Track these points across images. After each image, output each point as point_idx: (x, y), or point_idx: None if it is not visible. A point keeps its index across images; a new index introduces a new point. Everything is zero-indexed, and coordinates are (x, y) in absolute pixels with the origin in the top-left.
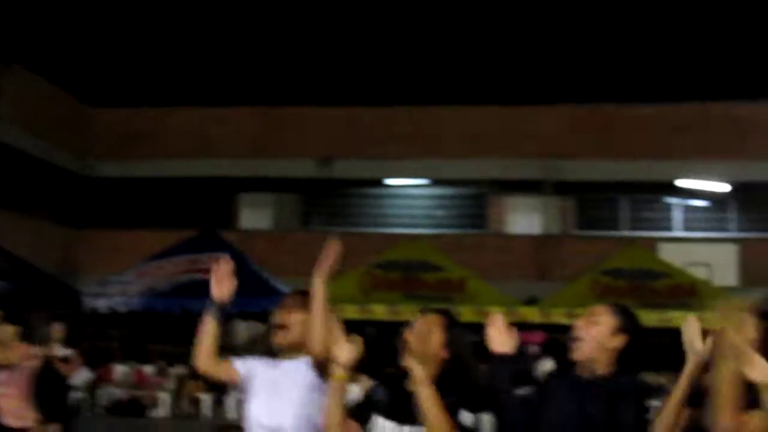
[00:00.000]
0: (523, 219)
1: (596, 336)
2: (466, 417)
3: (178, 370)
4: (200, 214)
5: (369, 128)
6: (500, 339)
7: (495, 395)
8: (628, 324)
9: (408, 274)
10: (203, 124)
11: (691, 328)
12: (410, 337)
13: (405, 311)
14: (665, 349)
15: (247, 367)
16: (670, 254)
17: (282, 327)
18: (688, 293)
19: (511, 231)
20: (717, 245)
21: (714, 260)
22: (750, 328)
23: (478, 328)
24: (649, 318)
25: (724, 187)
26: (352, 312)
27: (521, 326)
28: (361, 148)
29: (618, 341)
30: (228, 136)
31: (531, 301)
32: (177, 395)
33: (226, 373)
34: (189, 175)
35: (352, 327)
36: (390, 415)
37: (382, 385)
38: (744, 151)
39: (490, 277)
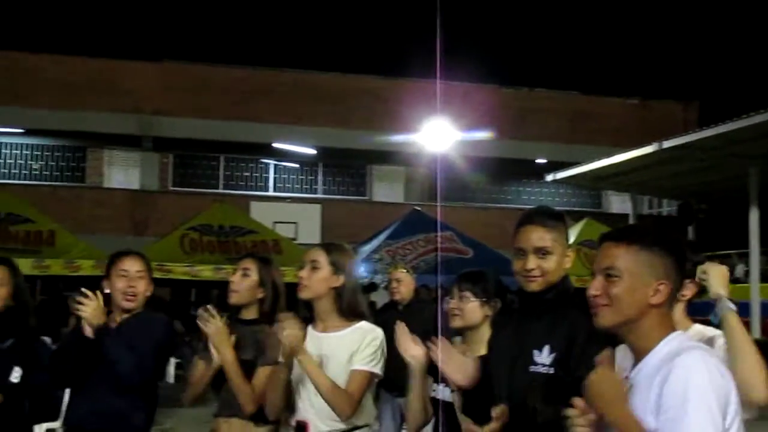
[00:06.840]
0: (121, 173)
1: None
2: None
3: None
4: None
5: None
6: None
7: None
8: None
9: None
10: None
11: None
12: None
13: None
14: None
15: None
16: (262, 212)
17: None
18: (273, 249)
19: (108, 185)
20: (304, 205)
21: (300, 219)
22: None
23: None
24: None
25: (312, 152)
26: None
27: None
28: None
29: None
30: None
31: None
32: None
33: None
34: None
35: None
36: None
37: None
38: (330, 119)
39: (85, 231)
